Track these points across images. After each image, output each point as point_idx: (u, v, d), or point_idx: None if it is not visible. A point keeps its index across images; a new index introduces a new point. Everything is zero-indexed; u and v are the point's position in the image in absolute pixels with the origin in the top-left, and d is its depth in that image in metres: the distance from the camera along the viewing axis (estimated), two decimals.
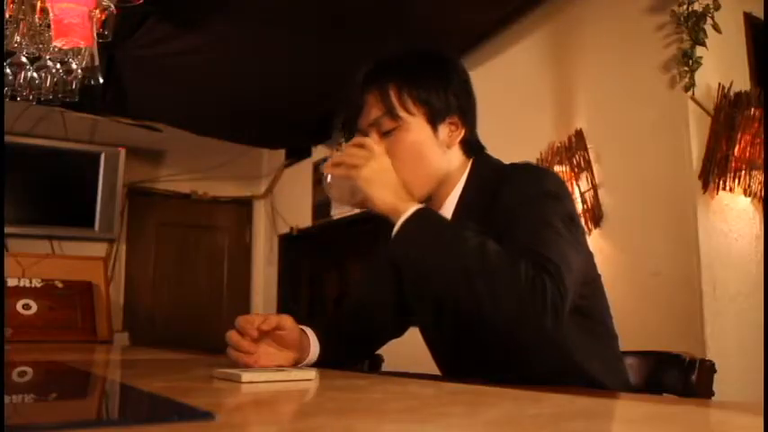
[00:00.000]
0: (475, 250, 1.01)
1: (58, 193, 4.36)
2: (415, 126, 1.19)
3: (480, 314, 1.02)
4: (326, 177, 1.15)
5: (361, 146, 1.15)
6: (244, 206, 5.20)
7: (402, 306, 1.38)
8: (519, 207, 1.09)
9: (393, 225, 1.10)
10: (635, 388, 1.22)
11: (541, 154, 2.77)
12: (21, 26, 1.98)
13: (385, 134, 1.19)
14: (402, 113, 1.19)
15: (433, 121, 1.20)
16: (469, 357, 1.22)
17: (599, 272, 1.24)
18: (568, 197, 1.17)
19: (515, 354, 1.15)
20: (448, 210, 1.22)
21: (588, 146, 2.66)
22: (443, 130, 1.21)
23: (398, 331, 1.45)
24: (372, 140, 1.18)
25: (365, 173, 1.11)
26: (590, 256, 1.22)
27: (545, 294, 0.96)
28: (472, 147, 1.26)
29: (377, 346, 1.49)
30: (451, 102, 1.21)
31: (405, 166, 1.16)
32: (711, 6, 2.35)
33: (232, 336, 1.13)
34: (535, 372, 1.12)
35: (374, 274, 1.48)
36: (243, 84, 3.61)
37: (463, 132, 1.23)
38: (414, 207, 1.09)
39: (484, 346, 1.18)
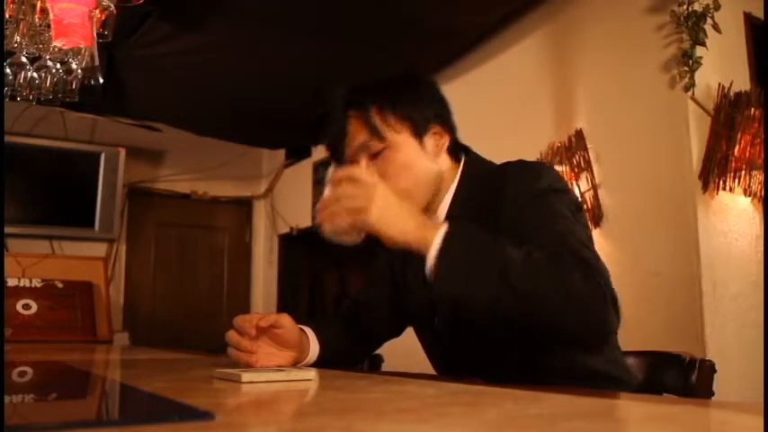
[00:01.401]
0: (524, 266, 0.95)
1: (58, 193, 4.36)
2: (403, 143, 1.21)
3: (548, 328, 0.98)
4: (319, 215, 1.05)
5: (353, 180, 1.04)
6: (244, 206, 5.20)
7: (400, 306, 1.39)
8: (527, 204, 1.09)
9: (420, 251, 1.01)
10: (637, 381, 1.23)
11: (541, 154, 2.77)
12: (21, 26, 1.98)
13: (373, 156, 1.20)
14: (388, 134, 1.20)
15: (419, 134, 1.22)
16: (466, 359, 1.22)
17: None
18: (568, 188, 1.20)
19: (515, 351, 1.15)
20: (442, 212, 1.24)
21: (588, 146, 2.66)
22: (429, 141, 1.23)
23: (397, 331, 1.46)
24: (362, 167, 1.16)
25: (375, 213, 1.01)
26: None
27: (601, 289, 0.94)
28: (458, 150, 1.28)
29: (376, 345, 1.49)
30: (430, 112, 1.24)
31: (399, 183, 1.16)
32: (711, 6, 2.35)
33: (232, 335, 1.14)
34: (535, 366, 1.13)
35: (372, 275, 1.49)
36: (242, 84, 3.61)
37: (448, 139, 1.26)
38: (440, 234, 0.99)
39: (481, 348, 1.19)
